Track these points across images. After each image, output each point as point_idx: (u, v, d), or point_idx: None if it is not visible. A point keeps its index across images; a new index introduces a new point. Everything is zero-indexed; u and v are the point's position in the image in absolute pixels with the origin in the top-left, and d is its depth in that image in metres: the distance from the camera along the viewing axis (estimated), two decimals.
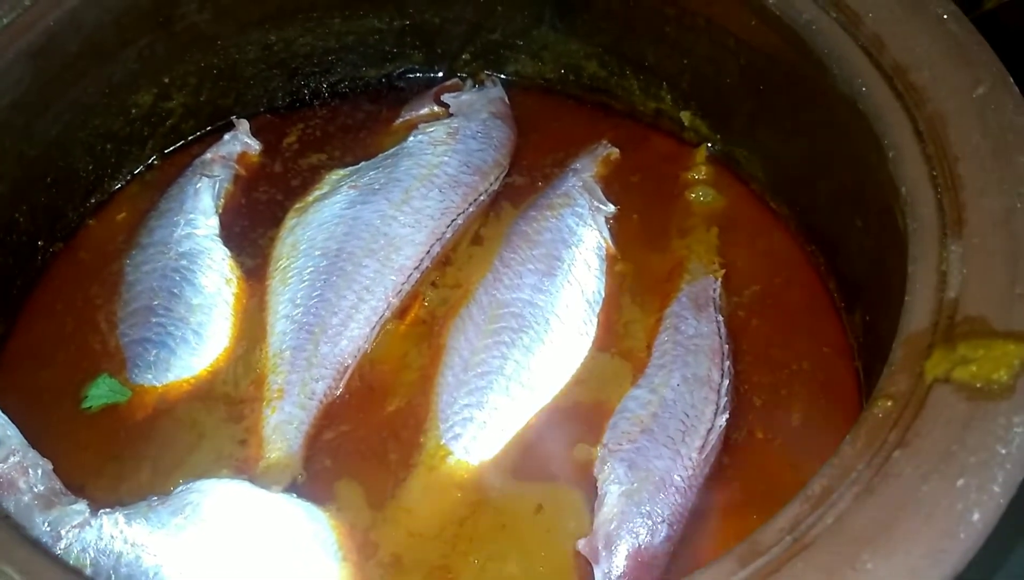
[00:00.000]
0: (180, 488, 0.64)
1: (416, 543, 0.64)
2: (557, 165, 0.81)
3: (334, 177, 0.80)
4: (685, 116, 0.81)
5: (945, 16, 0.61)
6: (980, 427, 0.46)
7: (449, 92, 0.84)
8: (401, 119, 0.84)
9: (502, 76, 0.86)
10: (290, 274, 0.74)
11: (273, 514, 0.64)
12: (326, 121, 0.85)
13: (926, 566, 0.42)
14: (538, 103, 0.86)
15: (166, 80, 0.79)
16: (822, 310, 0.73)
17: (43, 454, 0.64)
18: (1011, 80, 0.58)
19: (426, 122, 0.82)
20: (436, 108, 0.84)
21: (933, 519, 0.43)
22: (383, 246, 0.74)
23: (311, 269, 0.74)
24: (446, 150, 0.79)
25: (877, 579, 0.42)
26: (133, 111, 0.79)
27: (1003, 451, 0.45)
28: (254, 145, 0.82)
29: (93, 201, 0.81)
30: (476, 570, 0.63)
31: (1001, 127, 0.57)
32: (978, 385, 0.47)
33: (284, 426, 0.68)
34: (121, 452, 0.69)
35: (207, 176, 0.79)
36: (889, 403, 0.49)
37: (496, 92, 0.84)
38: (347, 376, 0.71)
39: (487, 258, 0.76)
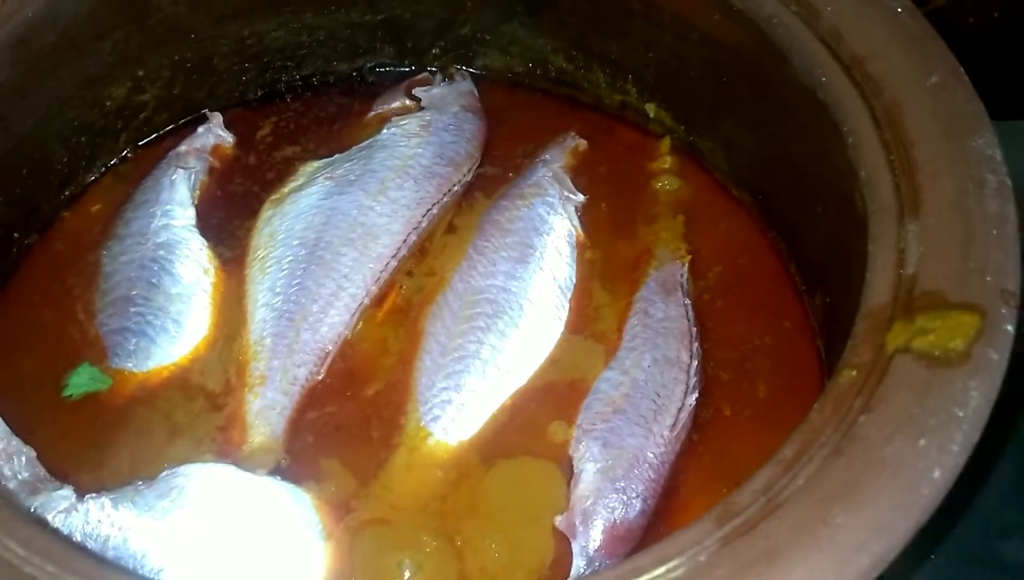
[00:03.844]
0: (165, 472, 0.65)
1: (399, 519, 0.66)
2: (527, 156, 0.84)
3: (309, 169, 0.81)
4: (650, 108, 0.83)
5: (900, 10, 0.64)
6: (939, 392, 0.49)
7: (420, 86, 0.85)
8: (373, 112, 0.85)
9: (471, 70, 0.88)
10: (269, 263, 0.75)
11: (258, 496, 0.65)
12: (299, 114, 0.86)
13: (892, 519, 0.45)
14: (507, 96, 0.88)
15: (140, 73, 0.80)
16: (784, 293, 0.76)
17: (25, 442, 0.65)
18: (962, 70, 0.62)
19: (398, 115, 0.83)
20: (408, 102, 0.85)
21: (897, 477, 0.46)
22: (361, 235, 0.76)
23: (290, 258, 0.75)
24: (420, 142, 0.81)
25: (847, 532, 0.45)
26: (107, 104, 0.79)
27: (960, 413, 0.48)
28: (228, 138, 0.83)
29: (67, 193, 0.81)
30: (457, 545, 0.65)
31: (953, 113, 0.60)
32: (936, 353, 0.50)
33: (267, 411, 0.70)
34: (103, 439, 0.69)
35: (182, 168, 0.80)
36: (854, 373, 0.51)
37: (466, 86, 0.86)
38: (328, 362, 0.72)
39: (461, 247, 0.78)
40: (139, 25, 0.77)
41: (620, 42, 0.81)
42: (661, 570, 0.45)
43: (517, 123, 0.87)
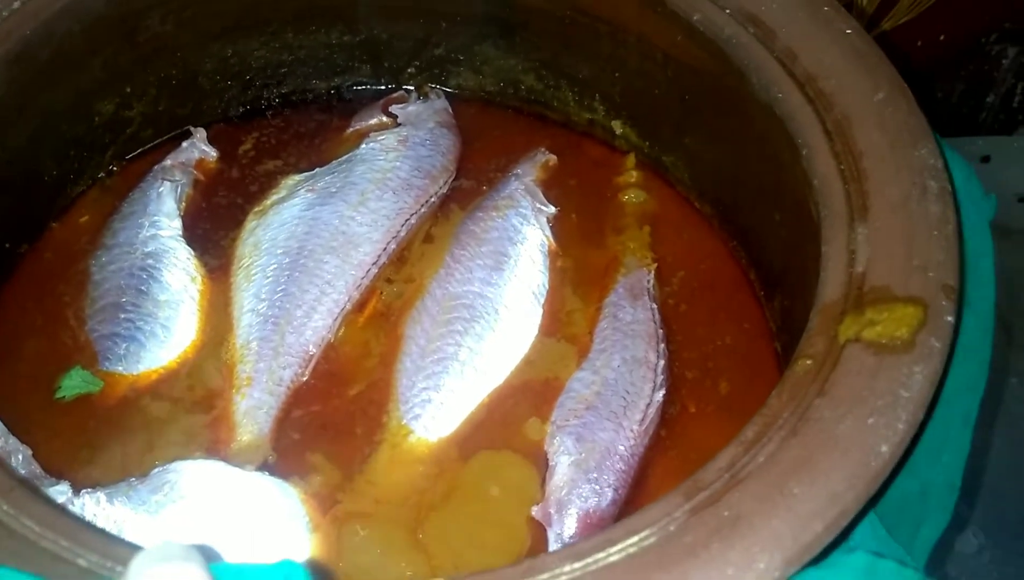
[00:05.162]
0: (157, 468, 0.68)
1: (382, 511, 0.69)
2: (500, 170, 0.88)
3: (291, 182, 0.84)
4: (616, 125, 0.88)
5: (849, 31, 0.69)
6: (886, 376, 0.53)
7: (396, 104, 0.89)
8: (352, 128, 0.89)
9: (446, 89, 0.92)
10: (254, 271, 0.79)
11: (247, 490, 0.68)
12: (280, 130, 0.90)
13: (844, 490, 0.49)
14: (480, 114, 0.92)
15: (128, 89, 0.83)
16: (744, 297, 0.81)
17: (21, 442, 0.67)
18: (906, 86, 0.67)
19: (376, 131, 0.87)
20: (384, 118, 0.89)
21: (849, 452, 0.50)
22: (343, 244, 0.79)
23: (274, 266, 0.78)
24: (397, 156, 0.85)
25: (802, 502, 0.49)
26: (96, 118, 0.82)
27: (906, 394, 0.52)
28: (211, 152, 0.86)
29: (56, 204, 0.84)
30: (438, 534, 0.68)
31: (897, 126, 0.65)
32: (884, 342, 0.54)
33: (254, 411, 0.73)
34: (95, 439, 0.72)
35: (169, 180, 0.83)
36: (808, 362, 0.56)
37: (441, 104, 0.90)
38: (312, 364, 0.76)
39: (438, 255, 0.82)
40: (128, 43, 0.80)
41: (588, 63, 0.85)
42: (634, 539, 0.49)
43: (490, 139, 0.91)
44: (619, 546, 0.49)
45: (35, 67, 0.74)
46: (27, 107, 0.75)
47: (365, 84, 0.93)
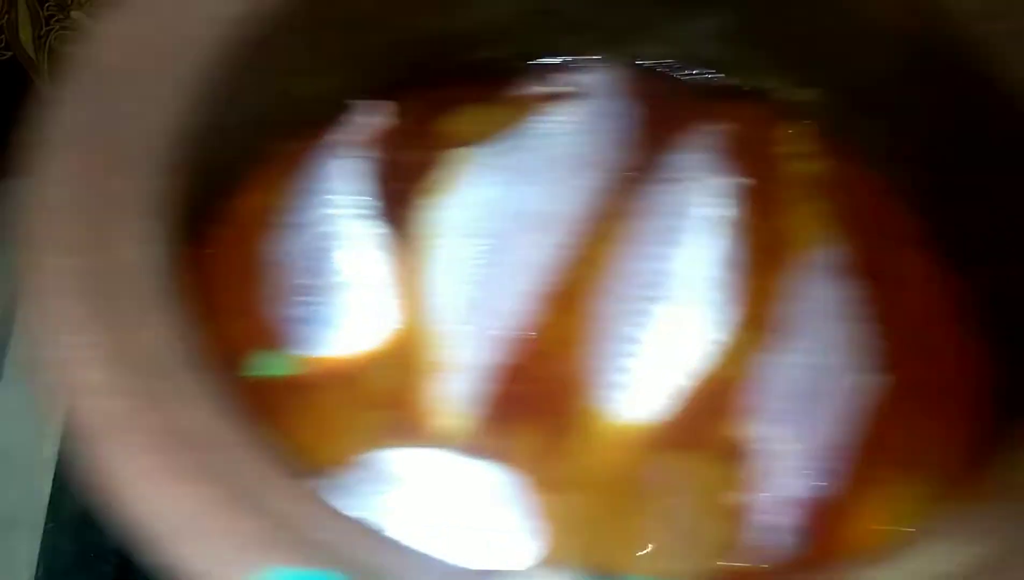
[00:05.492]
0: (365, 456, 0.69)
1: (582, 500, 0.69)
2: (677, 142, 0.85)
3: (470, 155, 0.83)
4: (805, 93, 0.84)
5: None
6: None
7: (574, 74, 0.87)
8: (529, 98, 0.87)
9: (626, 59, 0.89)
10: (444, 252, 0.78)
11: (462, 475, 0.69)
12: (457, 101, 0.88)
13: None
14: (658, 84, 0.89)
15: (310, 65, 0.82)
16: (937, 272, 0.78)
17: None
18: None
19: (554, 102, 0.85)
20: (563, 89, 0.87)
21: None
22: (535, 223, 0.79)
23: (466, 246, 0.78)
24: (579, 130, 0.83)
25: None
26: (281, 95, 0.81)
27: None
28: (387, 124, 0.85)
29: (234, 184, 0.84)
30: (641, 525, 0.68)
31: None
32: None
33: (451, 395, 0.73)
34: (282, 426, 0.72)
35: (345, 157, 0.83)
36: None
37: (619, 73, 0.88)
38: (505, 346, 0.75)
39: (620, 232, 0.80)
40: (325, 17, 0.78)
41: (777, 27, 0.82)
42: None
43: (667, 109, 0.88)
44: None
45: (251, 49, 0.72)
46: (242, 90, 0.73)
47: (544, 54, 0.90)
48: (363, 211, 0.80)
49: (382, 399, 0.74)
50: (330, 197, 0.81)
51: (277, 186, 0.84)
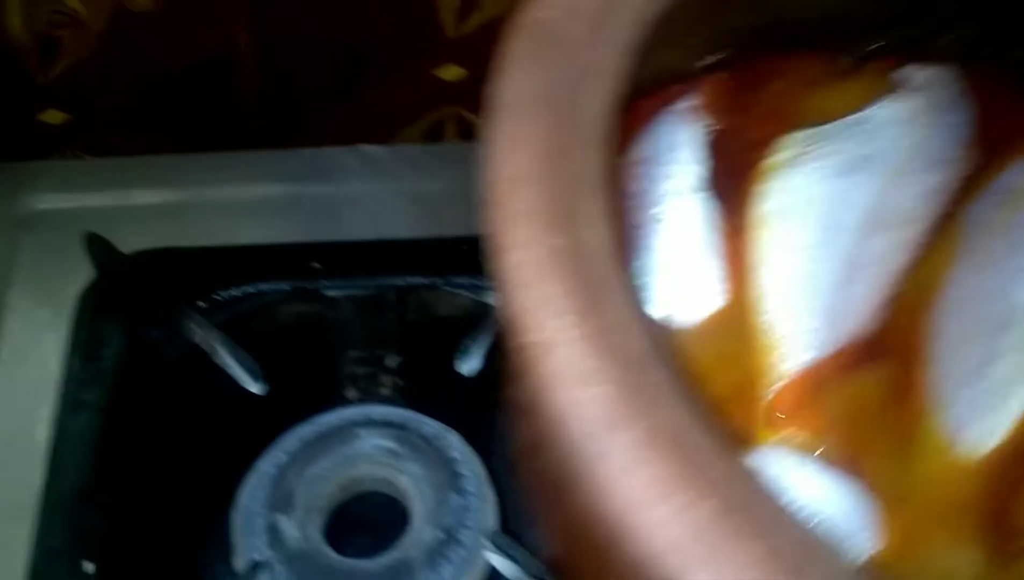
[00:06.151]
0: None
1: (922, 531, 0.67)
2: (1010, 149, 0.81)
3: (800, 139, 0.79)
4: None
5: None
6: None
7: (911, 66, 0.83)
8: (874, 84, 0.83)
9: (971, 55, 0.84)
10: (777, 243, 0.75)
11: (807, 483, 0.67)
12: (798, 79, 0.84)
13: None
14: (991, 86, 0.84)
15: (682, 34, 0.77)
16: None
17: None
18: None
19: (897, 92, 0.81)
20: (906, 78, 0.83)
21: None
22: (881, 220, 0.75)
23: (802, 239, 0.74)
24: (926, 125, 0.79)
25: None
26: (655, 69, 0.77)
27: None
28: (727, 96, 0.82)
29: None
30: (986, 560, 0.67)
31: None
32: None
33: (784, 398, 0.70)
34: None
35: (678, 127, 0.79)
36: None
37: (951, 74, 0.83)
38: (841, 349, 0.73)
39: (960, 243, 0.77)
40: None
41: None
42: None
43: (998, 112, 0.83)
44: None
45: None
46: None
47: (885, 44, 0.85)
48: (698, 183, 0.77)
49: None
50: (667, 168, 0.78)
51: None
